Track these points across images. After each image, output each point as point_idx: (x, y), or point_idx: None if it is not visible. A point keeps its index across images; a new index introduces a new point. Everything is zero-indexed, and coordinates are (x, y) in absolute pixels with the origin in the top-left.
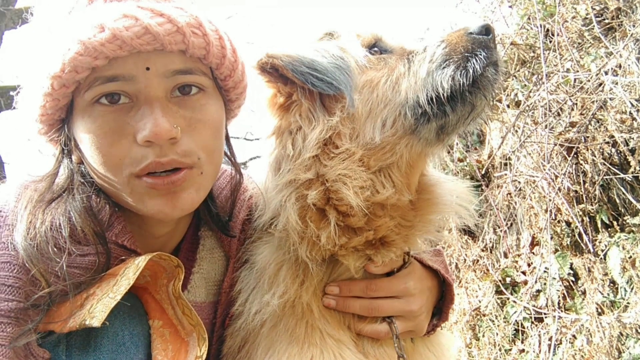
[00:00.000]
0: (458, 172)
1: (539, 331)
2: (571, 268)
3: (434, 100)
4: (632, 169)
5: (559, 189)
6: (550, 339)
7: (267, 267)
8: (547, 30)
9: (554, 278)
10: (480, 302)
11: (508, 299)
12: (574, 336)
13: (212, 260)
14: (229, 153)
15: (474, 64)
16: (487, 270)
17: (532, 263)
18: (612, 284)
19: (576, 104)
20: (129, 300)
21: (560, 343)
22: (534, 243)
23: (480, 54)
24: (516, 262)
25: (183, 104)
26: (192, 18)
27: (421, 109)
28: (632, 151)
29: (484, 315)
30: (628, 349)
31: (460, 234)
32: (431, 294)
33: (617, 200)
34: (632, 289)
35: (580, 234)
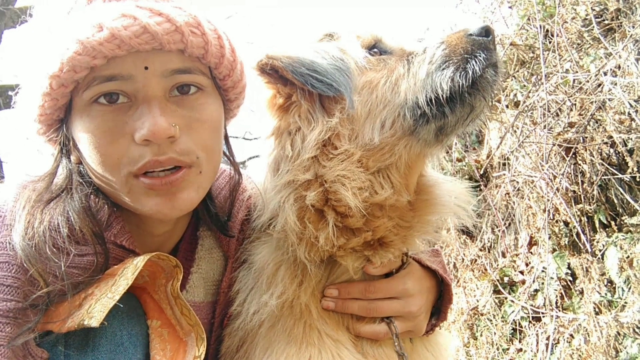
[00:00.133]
0: (456, 172)
1: (537, 330)
2: (569, 268)
3: (433, 101)
4: (630, 170)
5: (557, 189)
6: (547, 339)
7: (265, 267)
8: (547, 30)
9: (552, 278)
10: (478, 301)
11: (506, 298)
12: (571, 335)
13: (211, 260)
14: (228, 153)
15: (473, 65)
16: (485, 269)
17: (530, 263)
18: (609, 284)
19: (575, 104)
20: (127, 300)
21: (558, 342)
22: (531, 243)
23: (480, 56)
24: (514, 261)
25: (182, 104)
26: (191, 17)
27: (420, 110)
28: (631, 152)
29: (482, 315)
30: (625, 348)
31: (458, 234)
32: (430, 294)
33: (615, 200)
34: (630, 288)
35: (578, 234)
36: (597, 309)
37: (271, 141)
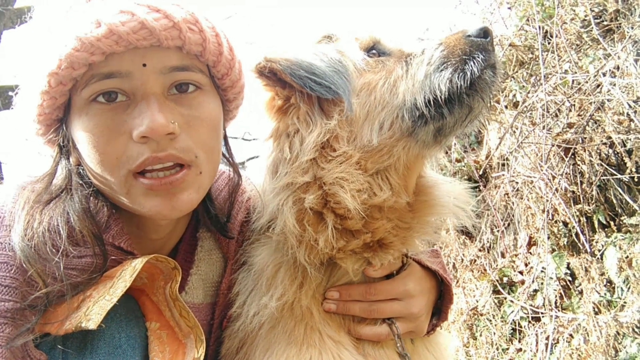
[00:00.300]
0: (456, 173)
1: (536, 330)
2: (568, 268)
3: (432, 102)
4: (628, 170)
5: (556, 190)
6: (547, 338)
7: (265, 269)
8: (546, 31)
9: (551, 278)
10: (477, 301)
11: (505, 298)
12: (571, 335)
13: (210, 262)
14: (227, 154)
15: (471, 66)
16: (485, 270)
17: (529, 263)
18: (608, 284)
19: (574, 105)
20: (126, 302)
21: (558, 342)
22: (531, 243)
23: (478, 57)
24: (513, 262)
25: (180, 102)
26: (189, 14)
27: (418, 111)
28: (629, 152)
29: (482, 315)
30: (625, 348)
31: (457, 234)
32: (430, 294)
33: (614, 201)
34: (629, 288)
35: (577, 234)
36: (596, 309)
37: (269, 143)
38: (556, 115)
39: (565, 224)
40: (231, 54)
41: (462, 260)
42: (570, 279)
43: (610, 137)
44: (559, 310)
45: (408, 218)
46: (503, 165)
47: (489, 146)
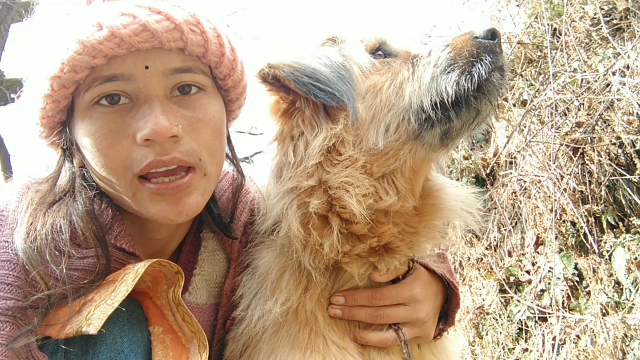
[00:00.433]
0: (463, 170)
1: (543, 331)
2: (576, 268)
3: (438, 105)
4: (638, 171)
5: (565, 189)
6: (554, 339)
7: (269, 272)
8: (555, 29)
9: (559, 278)
10: (484, 300)
11: (512, 297)
12: (578, 336)
13: (214, 262)
14: (230, 155)
15: (479, 68)
16: (491, 268)
17: (536, 262)
18: (616, 285)
19: (583, 104)
20: (129, 305)
21: (564, 343)
22: (538, 242)
23: (486, 59)
24: (520, 261)
25: (183, 104)
26: (190, 16)
27: (425, 114)
28: (639, 152)
29: (488, 314)
30: (632, 350)
31: (464, 232)
32: (437, 299)
33: (623, 201)
34: (637, 290)
35: (585, 235)
36: (604, 310)
37: (274, 146)
38: (565, 114)
39: (574, 224)
40: (233, 55)
41: (469, 258)
42: (577, 279)
43: (619, 138)
44: (566, 311)
45: (415, 222)
46: (511, 163)
47: (497, 144)
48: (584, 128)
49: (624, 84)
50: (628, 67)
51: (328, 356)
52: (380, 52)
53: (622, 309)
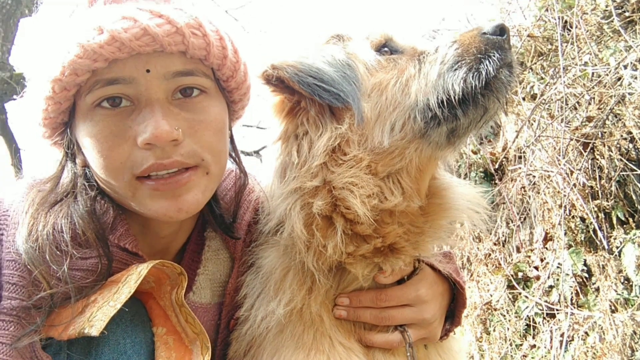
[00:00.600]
0: (472, 165)
1: (551, 327)
2: (585, 264)
3: (445, 103)
4: None
5: (574, 185)
6: (562, 335)
7: (273, 272)
8: (566, 22)
9: (567, 274)
10: (491, 296)
11: (520, 293)
12: (586, 333)
13: (218, 262)
14: (233, 154)
15: (486, 65)
16: (499, 264)
17: (545, 258)
18: (626, 282)
19: (594, 98)
20: (132, 306)
21: (572, 340)
22: (547, 238)
23: (494, 56)
24: (529, 257)
25: (185, 106)
26: (192, 19)
27: (431, 112)
28: None
29: (495, 310)
30: None
31: (472, 229)
32: (443, 299)
33: (634, 197)
34: None
35: (594, 230)
36: (613, 307)
37: (278, 146)
38: (575, 109)
39: (583, 219)
40: (236, 57)
41: (477, 254)
42: (586, 275)
43: (630, 132)
44: (574, 308)
45: (420, 222)
46: (520, 158)
47: (506, 138)
48: (595, 122)
49: (636, 78)
50: None
51: (333, 356)
52: (386, 49)
53: (632, 305)
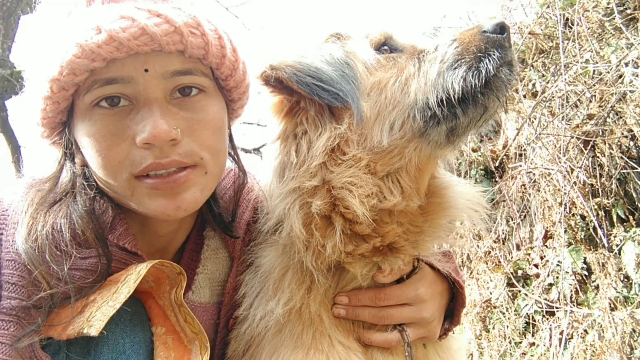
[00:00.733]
0: (472, 163)
1: (550, 325)
2: (585, 262)
3: (444, 102)
4: None
5: (575, 183)
6: (561, 333)
7: (272, 271)
8: (567, 19)
9: (567, 272)
10: (491, 293)
11: (519, 291)
12: (585, 331)
13: (217, 261)
14: (232, 153)
15: (486, 64)
16: (499, 262)
17: (544, 256)
18: (626, 280)
19: (595, 95)
20: (131, 305)
21: (572, 338)
22: (547, 236)
23: (494, 54)
24: (529, 254)
25: (183, 106)
26: (190, 18)
27: (430, 111)
28: None
29: (495, 308)
30: None
31: (472, 228)
32: (442, 298)
33: (634, 195)
34: None
35: (594, 228)
36: (612, 305)
37: (277, 145)
38: (576, 106)
39: (583, 217)
40: (235, 56)
41: (477, 251)
42: (586, 273)
43: (631, 130)
44: (574, 305)
45: (420, 222)
46: (520, 155)
47: (507, 136)
48: (596, 120)
49: (637, 75)
50: None
51: (332, 355)
52: (385, 47)
53: (631, 303)
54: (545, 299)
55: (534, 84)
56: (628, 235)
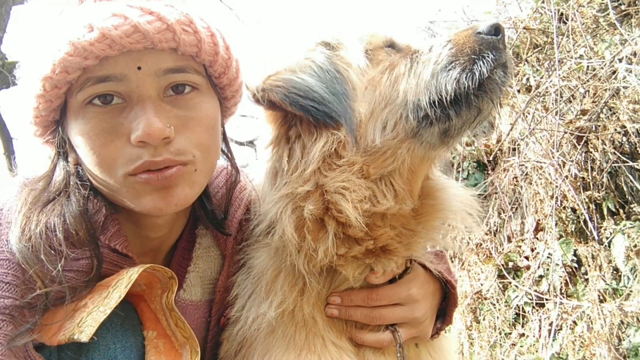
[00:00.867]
0: (465, 157)
1: (540, 316)
2: (575, 255)
3: (437, 103)
4: None
5: (566, 176)
6: (550, 324)
7: (264, 273)
8: (562, 14)
9: (557, 264)
10: (482, 285)
11: (510, 283)
12: (574, 322)
13: (208, 259)
14: (226, 150)
15: (480, 66)
16: (490, 253)
17: (535, 248)
18: (615, 272)
19: (588, 91)
20: (123, 309)
21: (561, 329)
22: (538, 228)
23: (488, 56)
24: (519, 246)
25: (177, 103)
26: (183, 15)
27: (423, 111)
28: None
29: (486, 299)
30: (628, 337)
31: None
32: (434, 298)
33: (625, 188)
34: (636, 277)
35: (585, 221)
36: (601, 297)
37: (270, 150)
38: (570, 102)
39: (574, 210)
40: (228, 53)
41: (468, 243)
42: (576, 266)
43: (624, 126)
44: (563, 297)
45: (412, 224)
46: (514, 150)
47: (500, 130)
48: (589, 116)
49: (631, 72)
50: (635, 54)
51: (324, 356)
52: (382, 46)
53: (620, 295)
54: (536, 291)
55: (528, 79)
56: (618, 228)
